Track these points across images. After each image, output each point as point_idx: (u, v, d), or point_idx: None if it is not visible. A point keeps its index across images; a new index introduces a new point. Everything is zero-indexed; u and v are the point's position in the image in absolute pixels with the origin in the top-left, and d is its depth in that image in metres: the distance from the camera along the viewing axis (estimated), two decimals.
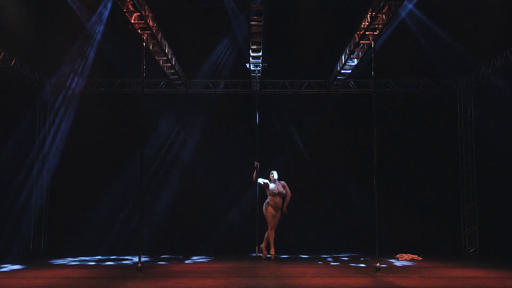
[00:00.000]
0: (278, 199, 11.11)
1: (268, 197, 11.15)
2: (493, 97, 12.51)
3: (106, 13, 11.60)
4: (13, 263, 10.45)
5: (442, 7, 11.76)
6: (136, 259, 10.43)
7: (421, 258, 11.34)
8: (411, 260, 11.19)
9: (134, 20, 9.62)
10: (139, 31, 9.87)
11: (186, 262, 10.93)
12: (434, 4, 11.54)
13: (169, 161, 13.60)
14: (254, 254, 11.36)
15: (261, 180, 11.19)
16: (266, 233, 11.18)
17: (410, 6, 11.10)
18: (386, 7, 9.11)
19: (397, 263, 10.55)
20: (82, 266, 10.03)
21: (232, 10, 11.74)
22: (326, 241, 13.15)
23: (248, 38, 10.71)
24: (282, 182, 11.27)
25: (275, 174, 11.25)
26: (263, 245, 11.23)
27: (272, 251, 11.08)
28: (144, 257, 11.08)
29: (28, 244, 12.93)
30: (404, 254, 11.57)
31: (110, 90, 13.54)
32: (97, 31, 11.96)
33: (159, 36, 10.63)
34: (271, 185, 11.14)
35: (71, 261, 11.08)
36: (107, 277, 8.50)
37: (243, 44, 12.37)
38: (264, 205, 11.12)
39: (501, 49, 11.55)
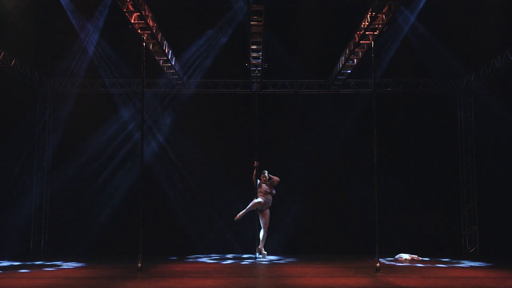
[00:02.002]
0: (269, 197, 11.16)
1: (259, 196, 11.07)
2: (493, 97, 12.51)
3: (105, 13, 11.61)
4: (12, 263, 10.44)
5: (442, 7, 11.76)
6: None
7: (421, 258, 11.34)
8: (411, 260, 11.19)
9: (134, 20, 9.62)
10: (139, 31, 9.86)
11: (186, 262, 10.93)
12: (433, 4, 11.54)
13: (168, 161, 13.59)
14: (254, 255, 11.36)
15: (258, 181, 11.21)
16: (261, 233, 11.13)
17: (412, 18, 11.15)
18: (386, 7, 9.12)
19: (397, 263, 10.55)
20: (82, 266, 10.02)
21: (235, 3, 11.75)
22: (326, 241, 13.14)
23: (248, 38, 10.71)
24: (271, 179, 11.27)
25: (266, 174, 11.25)
26: (261, 246, 11.21)
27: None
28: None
29: (28, 243, 12.94)
30: (404, 254, 11.57)
31: (110, 90, 13.54)
32: (96, 31, 11.96)
33: (159, 36, 10.63)
34: (263, 185, 11.17)
35: (71, 261, 11.07)
36: (107, 277, 8.49)
37: (244, 44, 12.37)
38: (259, 206, 11.00)
39: (501, 49, 11.55)
